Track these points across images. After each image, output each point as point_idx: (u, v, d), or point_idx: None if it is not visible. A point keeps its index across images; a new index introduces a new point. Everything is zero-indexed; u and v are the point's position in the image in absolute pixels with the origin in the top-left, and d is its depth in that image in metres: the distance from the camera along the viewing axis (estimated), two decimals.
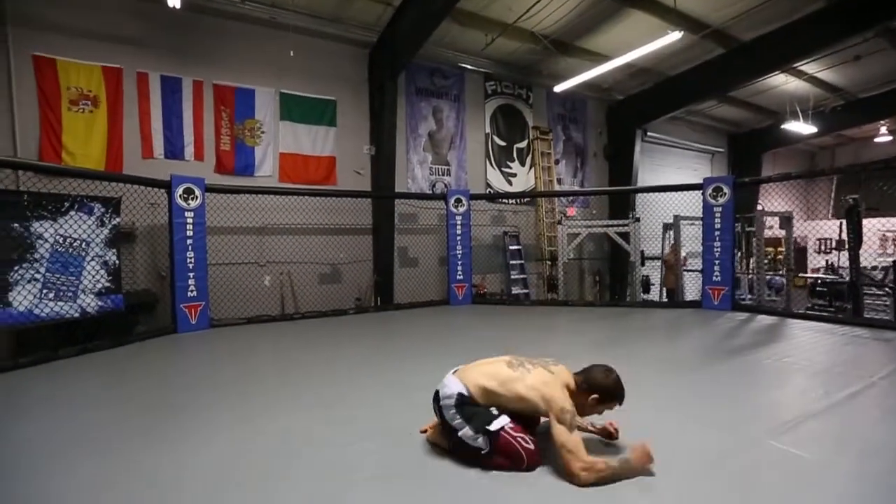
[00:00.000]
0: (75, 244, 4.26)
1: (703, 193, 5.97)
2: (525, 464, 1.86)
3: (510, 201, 8.98)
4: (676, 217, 7.48)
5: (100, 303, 4.45)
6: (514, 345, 4.25)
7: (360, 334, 4.96)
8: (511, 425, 1.91)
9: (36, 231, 3.97)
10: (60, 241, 4.14)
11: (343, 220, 7.21)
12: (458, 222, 6.95)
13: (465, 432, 1.91)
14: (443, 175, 8.30)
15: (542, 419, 2.04)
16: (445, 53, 7.86)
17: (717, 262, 5.80)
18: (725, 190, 5.78)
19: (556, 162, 9.57)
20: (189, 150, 6.29)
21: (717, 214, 5.81)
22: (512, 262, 8.67)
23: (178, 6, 5.07)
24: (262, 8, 6.29)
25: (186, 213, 5.16)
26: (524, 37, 7.45)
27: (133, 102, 5.94)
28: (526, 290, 8.63)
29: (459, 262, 6.94)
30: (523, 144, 9.16)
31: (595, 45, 7.75)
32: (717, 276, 5.80)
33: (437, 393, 2.06)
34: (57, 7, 5.47)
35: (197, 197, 5.25)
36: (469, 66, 8.29)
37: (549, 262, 8.91)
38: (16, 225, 3.84)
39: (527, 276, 8.73)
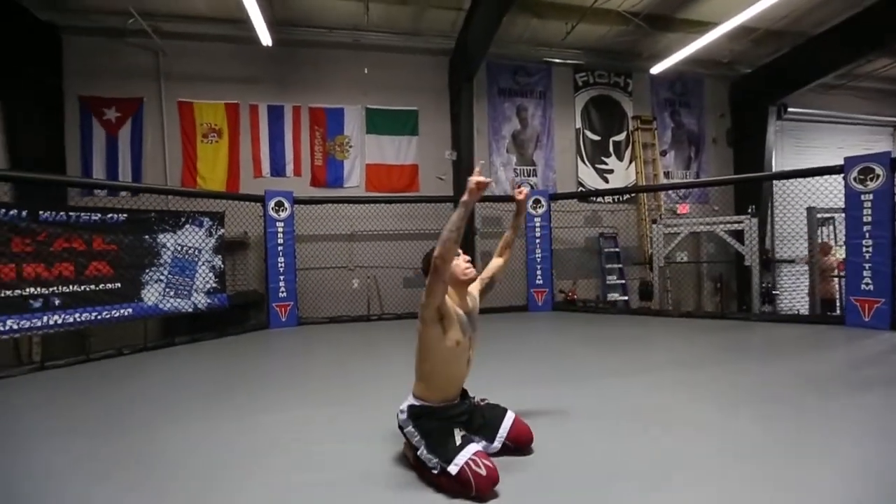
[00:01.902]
0: (190, 251, 5.14)
1: (844, 177, 4.67)
2: (473, 491, 1.66)
3: (606, 200, 8.21)
4: (810, 210, 5.98)
5: (208, 300, 5.30)
6: (555, 357, 3.87)
7: None
8: (474, 451, 1.74)
9: (161, 241, 4.90)
10: (179, 249, 5.04)
11: (426, 225, 7.38)
12: (537, 224, 6.59)
13: (422, 452, 1.80)
14: (528, 176, 7.98)
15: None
16: (528, 49, 7.57)
17: (867, 265, 4.47)
18: (878, 171, 4.43)
19: (663, 153, 8.46)
20: (289, 168, 7.13)
21: (867, 204, 4.48)
22: (608, 266, 7.90)
23: (270, 44, 5.82)
24: (345, 33, 6.86)
25: (277, 223, 5.84)
26: (611, 19, 6.78)
27: (246, 131, 6.97)
28: (625, 297, 7.78)
29: (539, 267, 6.57)
30: (621, 137, 8.31)
31: (699, 14, 6.67)
32: (867, 285, 4.46)
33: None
34: (191, 61, 6.71)
35: (286, 209, 5.91)
36: (555, 60, 7.85)
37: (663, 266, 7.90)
38: (146, 237, 4.79)
39: (626, 282, 7.85)
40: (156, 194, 5.54)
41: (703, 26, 6.56)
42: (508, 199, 7.31)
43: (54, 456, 2.13)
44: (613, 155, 8.26)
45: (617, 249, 7.99)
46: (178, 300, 5.02)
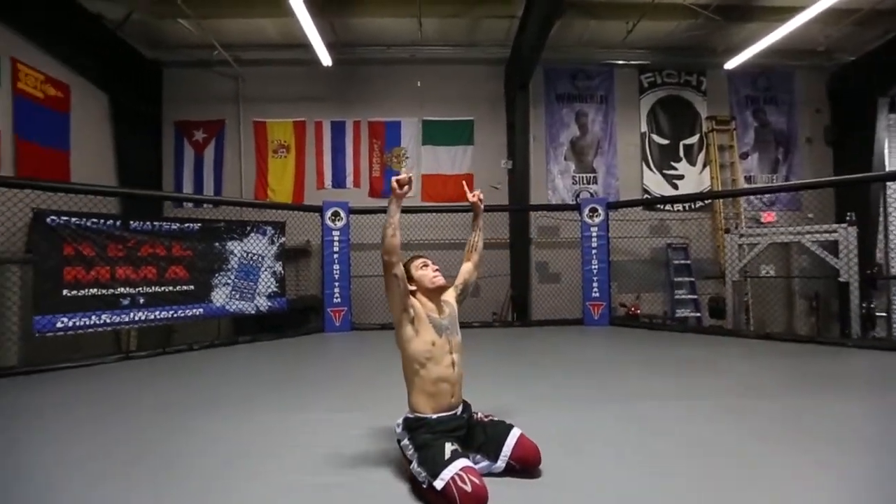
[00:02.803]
0: (254, 258, 5.59)
1: None
2: None
3: (675, 208, 7.60)
4: None
5: (269, 304, 5.71)
6: (596, 374, 3.62)
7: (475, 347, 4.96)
8: (462, 467, 1.67)
9: (229, 248, 5.39)
10: (244, 255, 5.51)
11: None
12: (594, 234, 6.26)
13: (414, 465, 1.78)
14: (588, 184, 7.64)
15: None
16: (587, 52, 7.32)
17: None
18: None
19: (744, 156, 7.65)
20: (349, 179, 7.51)
21: None
22: (677, 279, 7.28)
23: (330, 64, 6.21)
24: (402, 48, 7.11)
25: (334, 232, 6.15)
26: (678, 13, 6.32)
27: (311, 145, 7.47)
28: (696, 314, 7.10)
29: (595, 279, 6.22)
30: (693, 140, 7.66)
31: None
32: None
33: None
34: (265, 85, 7.37)
35: (342, 218, 6.21)
36: (618, 61, 7.49)
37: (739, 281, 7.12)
38: (217, 244, 5.29)
39: (697, 297, 7.17)
40: (231, 205, 6.14)
41: (788, 12, 5.87)
42: (565, 207, 7.07)
43: (118, 427, 2.42)
44: (684, 159, 7.64)
45: (687, 261, 7.34)
46: (243, 302, 5.47)
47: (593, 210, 6.29)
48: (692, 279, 7.26)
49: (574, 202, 7.52)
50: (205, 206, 7.01)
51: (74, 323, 4.21)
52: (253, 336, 5.38)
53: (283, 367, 4.20)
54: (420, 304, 1.98)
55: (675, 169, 7.64)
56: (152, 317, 4.74)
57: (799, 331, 7.04)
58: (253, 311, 5.56)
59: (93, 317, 4.32)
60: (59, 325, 4.13)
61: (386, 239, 1.84)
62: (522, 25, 6.30)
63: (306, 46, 6.08)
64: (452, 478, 1.63)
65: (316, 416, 2.68)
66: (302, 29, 5.46)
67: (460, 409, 2.00)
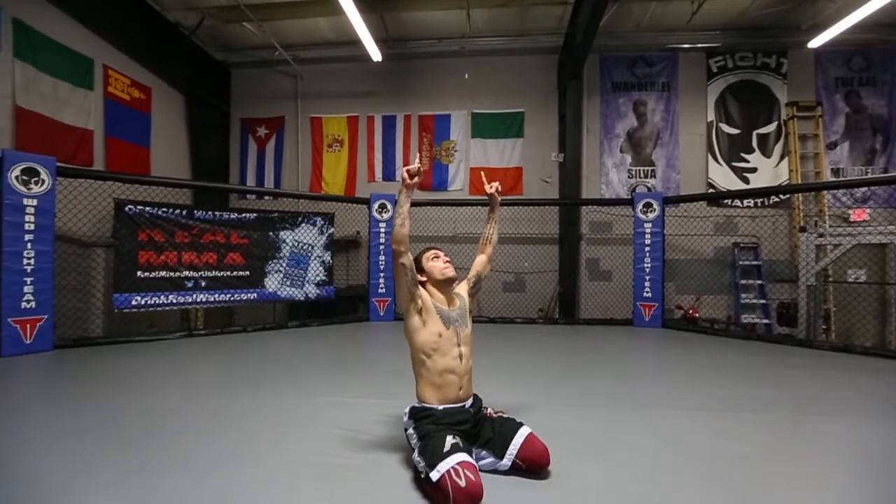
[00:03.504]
0: (304, 247, 5.89)
1: None
2: (451, 503, 1.58)
3: (746, 203, 6.94)
4: None
5: (317, 291, 5.99)
6: (632, 378, 3.42)
7: (512, 343, 4.91)
8: (459, 461, 1.66)
9: (281, 237, 5.72)
10: (295, 244, 5.82)
11: (528, 229, 7.22)
12: (647, 230, 5.90)
13: (415, 455, 1.80)
14: (645, 177, 7.20)
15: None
16: (648, 37, 6.87)
17: None
18: None
19: (832, 146, 6.81)
20: (399, 173, 7.63)
21: None
22: (744, 281, 6.67)
23: (380, 59, 6.34)
24: (453, 41, 7.09)
25: (380, 224, 6.32)
26: None
27: (364, 140, 7.70)
28: (765, 320, 6.47)
29: (647, 278, 5.87)
30: (769, 129, 6.94)
31: None
32: None
33: None
34: (321, 82, 7.69)
35: (388, 210, 6.35)
36: (683, 45, 6.95)
37: (815, 286, 6.39)
38: (270, 233, 5.63)
39: (767, 302, 6.53)
40: (284, 197, 6.50)
41: None
42: (617, 202, 6.73)
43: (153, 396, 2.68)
44: (757, 150, 6.95)
45: (758, 262, 6.70)
46: (293, 289, 5.79)
47: (647, 205, 5.92)
48: (762, 282, 6.61)
49: (629, 197, 7.12)
50: (264, 197, 7.48)
51: (146, 301, 4.69)
52: (302, 322, 5.69)
53: (322, 352, 4.40)
54: (429, 295, 1.99)
55: (747, 161, 6.97)
56: (212, 299, 5.16)
57: (893, 345, 6.18)
58: (302, 298, 5.87)
59: (161, 296, 4.80)
60: (133, 302, 4.63)
61: (394, 228, 1.87)
62: (575, 11, 6.03)
63: (359, 43, 6.26)
64: (448, 471, 1.62)
65: (341, 401, 2.78)
66: (363, 27, 5.63)
67: (469, 402, 1.98)
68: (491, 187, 2.31)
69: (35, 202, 4.01)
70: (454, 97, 7.53)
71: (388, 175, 7.64)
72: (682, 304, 6.58)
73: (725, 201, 6.91)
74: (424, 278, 2.04)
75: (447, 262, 2.07)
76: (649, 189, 7.06)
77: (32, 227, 3.98)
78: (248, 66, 7.74)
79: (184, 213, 4.99)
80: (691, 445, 2.14)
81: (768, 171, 6.90)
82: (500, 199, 2.36)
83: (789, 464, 1.96)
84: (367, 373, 3.53)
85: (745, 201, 6.88)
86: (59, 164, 4.21)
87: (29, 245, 3.96)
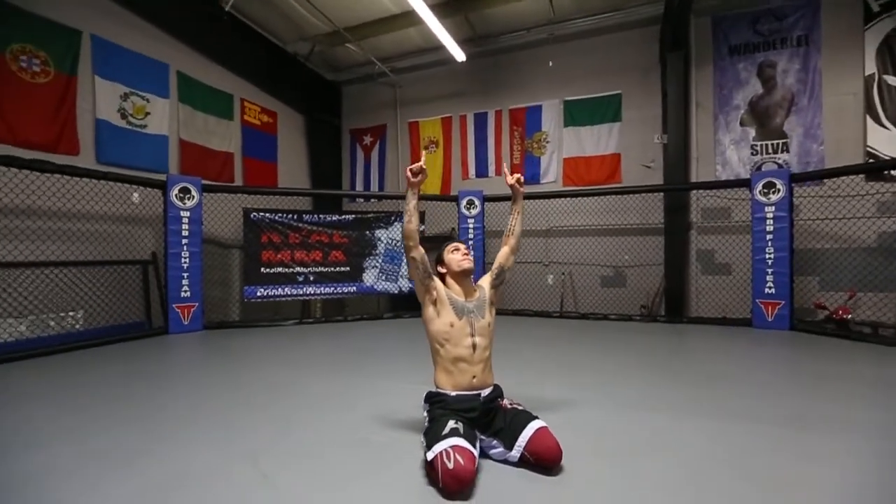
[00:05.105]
0: (397, 244, 6.36)
1: None
2: (440, 485, 1.67)
3: None
4: None
5: (409, 285, 6.41)
6: (715, 383, 3.02)
7: (592, 339, 4.69)
8: (452, 444, 1.74)
9: (377, 236, 6.27)
10: (389, 242, 6.32)
11: (629, 219, 6.72)
12: (769, 215, 5.02)
13: (422, 436, 1.92)
14: (775, 152, 6.09)
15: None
16: None
17: None
18: None
19: None
20: (491, 168, 7.72)
21: None
22: None
23: (463, 59, 6.50)
24: (541, 29, 6.90)
25: (469, 220, 6.50)
26: None
27: (457, 139, 7.95)
28: None
29: (770, 271, 5.00)
30: None
31: None
32: None
33: None
34: (416, 88, 8.16)
35: (477, 206, 6.50)
36: None
37: None
38: (367, 232, 6.22)
39: None
40: (382, 199, 7.09)
41: None
42: (737, 183, 5.82)
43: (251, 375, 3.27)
44: None
45: None
46: (388, 283, 6.31)
47: (769, 185, 5.04)
48: None
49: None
50: (371, 200, 8.24)
51: (267, 293, 5.62)
52: (396, 313, 6.18)
53: (399, 341, 4.75)
54: (446, 287, 2.10)
55: None
56: (319, 292, 5.92)
57: None
58: (396, 291, 6.36)
59: (279, 289, 5.69)
60: (258, 294, 5.58)
61: (403, 225, 2.04)
62: None
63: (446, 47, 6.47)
64: (441, 452, 1.71)
65: (397, 386, 3.02)
66: (443, 31, 5.88)
67: (486, 391, 2.04)
68: (512, 178, 2.30)
69: (188, 213, 5.10)
70: (544, 87, 7.32)
71: (482, 172, 7.77)
72: (824, 303, 5.44)
73: (893, 173, 5.49)
74: (444, 270, 2.16)
75: (465, 254, 2.16)
76: (780, 166, 5.96)
77: (187, 233, 5.08)
78: (354, 82, 8.59)
79: (294, 217, 5.82)
80: (744, 465, 1.85)
81: None
82: (523, 190, 2.34)
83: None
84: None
85: None
86: (204, 182, 5.29)
87: (185, 247, 5.06)
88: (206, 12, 6.15)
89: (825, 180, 5.47)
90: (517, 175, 2.31)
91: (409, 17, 6.50)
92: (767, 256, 5.00)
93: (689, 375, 3.25)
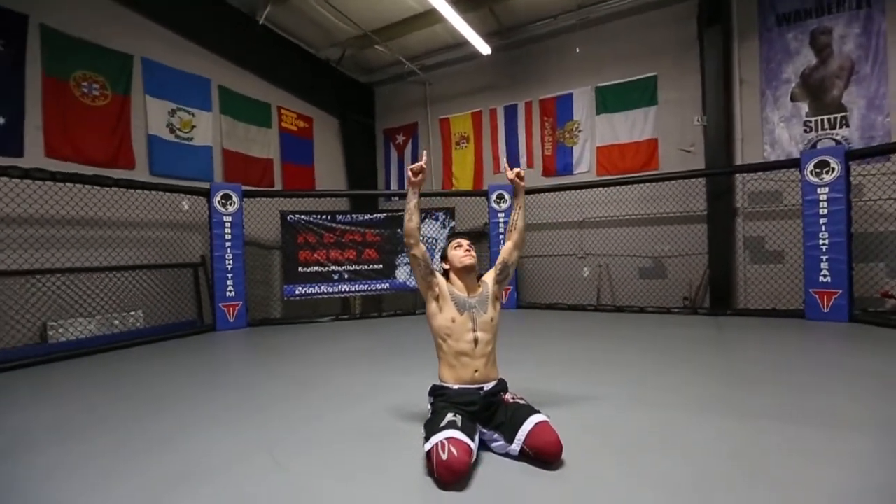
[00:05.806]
0: (429, 240, 6.45)
1: None
2: (435, 475, 1.72)
3: None
4: None
5: None
6: (749, 379, 2.86)
7: (620, 333, 4.56)
8: (448, 436, 1.78)
9: None
10: (421, 238, 6.42)
11: (666, 207, 6.42)
12: (821, 197, 4.62)
13: (423, 428, 1.97)
14: (833, 128, 5.58)
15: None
16: None
17: None
18: None
19: None
20: (523, 161, 7.62)
21: None
22: None
23: (489, 53, 6.46)
24: (569, 15, 6.71)
25: (499, 214, 6.47)
26: None
27: (487, 133, 7.92)
28: None
29: (824, 258, 4.61)
30: None
31: None
32: None
33: None
34: (445, 84, 8.19)
35: (506, 200, 6.45)
36: None
37: None
38: (398, 230, 6.35)
39: None
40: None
41: None
42: (784, 164, 5.39)
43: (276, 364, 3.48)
44: None
45: None
46: None
47: (822, 164, 4.63)
48: None
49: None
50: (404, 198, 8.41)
51: (305, 291, 5.90)
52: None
53: (426, 335, 4.81)
54: (448, 283, 2.14)
55: None
56: (353, 289, 6.14)
57: None
58: None
59: (315, 287, 5.95)
60: (297, 292, 5.87)
61: (404, 223, 2.13)
62: None
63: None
64: (436, 444, 1.76)
65: (415, 381, 3.08)
66: (465, 25, 5.89)
67: (489, 385, 2.06)
68: (512, 173, 2.29)
69: (231, 218, 5.45)
70: (575, 75, 7.12)
71: (513, 165, 7.60)
72: (892, 292, 4.94)
73: None
74: (448, 266, 2.21)
75: (467, 251, 2.19)
76: (838, 142, 5.46)
77: (230, 236, 5.43)
78: (385, 83, 8.75)
79: (328, 217, 6.06)
80: (755, 467, 1.76)
81: None
82: (524, 185, 2.32)
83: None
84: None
85: None
86: (244, 188, 5.62)
87: (228, 250, 5.42)
88: (242, 26, 6.50)
89: (892, 156, 4.96)
90: (517, 169, 2.30)
91: (434, 14, 6.53)
92: (821, 242, 4.61)
93: (720, 371, 3.09)
